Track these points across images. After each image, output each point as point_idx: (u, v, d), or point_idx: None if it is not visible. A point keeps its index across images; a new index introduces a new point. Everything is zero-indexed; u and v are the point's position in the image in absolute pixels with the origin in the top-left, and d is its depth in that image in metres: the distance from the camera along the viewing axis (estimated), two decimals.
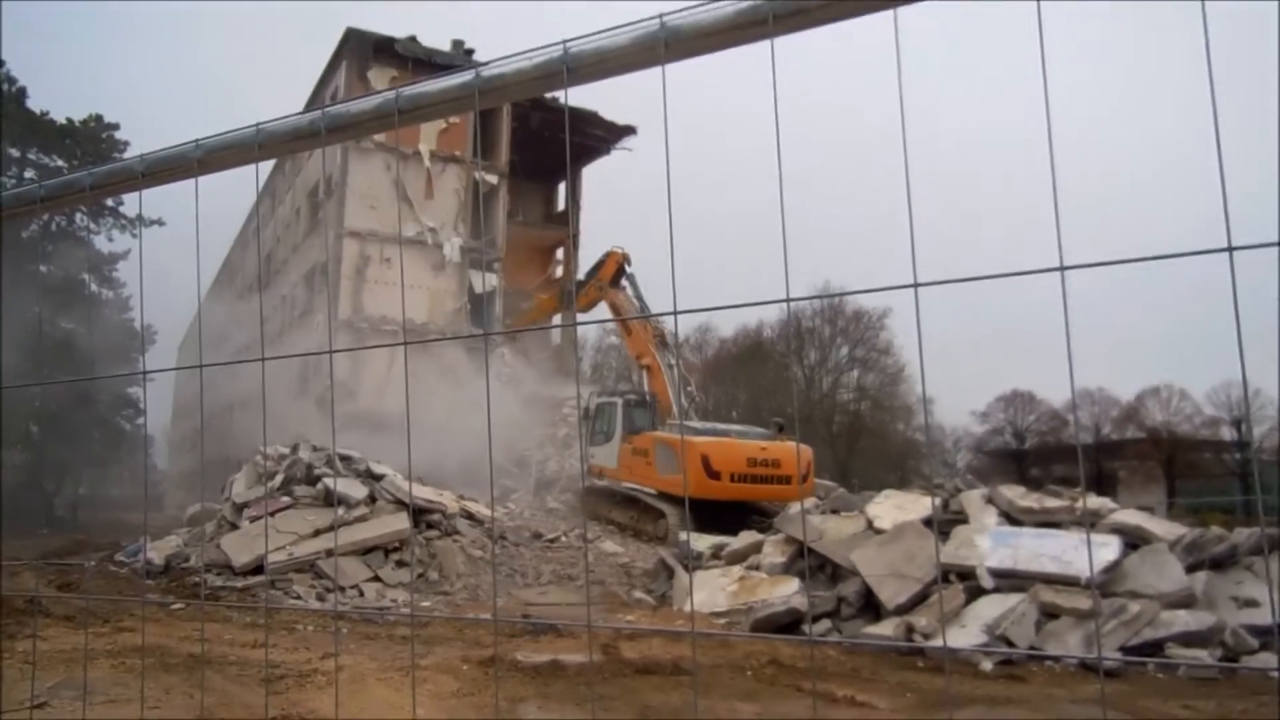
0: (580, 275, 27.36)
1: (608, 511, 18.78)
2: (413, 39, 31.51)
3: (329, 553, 11.85)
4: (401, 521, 12.80)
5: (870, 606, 9.39)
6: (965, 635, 8.02)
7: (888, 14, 1.44)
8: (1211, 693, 6.96)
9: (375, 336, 28.33)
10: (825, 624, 9.27)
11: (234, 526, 13.09)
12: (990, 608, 8.39)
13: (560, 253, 38.93)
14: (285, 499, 13.17)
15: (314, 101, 33.01)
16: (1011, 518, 10.18)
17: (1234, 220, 1.27)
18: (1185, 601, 8.20)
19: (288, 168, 39.77)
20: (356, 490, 13.36)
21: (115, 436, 43.66)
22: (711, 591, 10.63)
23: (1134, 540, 9.27)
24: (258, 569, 11.49)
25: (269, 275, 41.80)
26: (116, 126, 42.35)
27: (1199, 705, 6.57)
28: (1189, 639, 7.81)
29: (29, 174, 39.25)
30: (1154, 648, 7.77)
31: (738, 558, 11.58)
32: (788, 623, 9.34)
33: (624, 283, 23.26)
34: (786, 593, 9.94)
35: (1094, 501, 10.64)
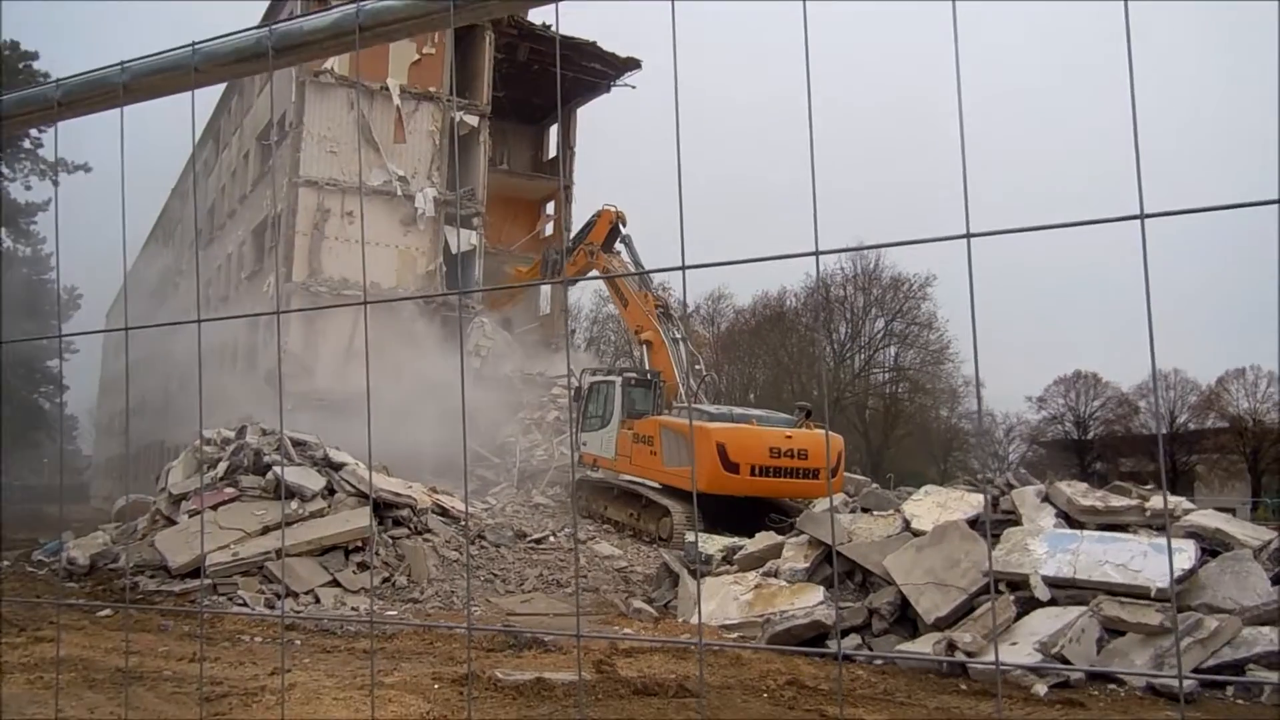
0: (569, 239, 27.30)
1: (603, 508, 18.82)
2: None
3: (279, 553, 11.87)
4: (364, 518, 12.82)
5: (906, 620, 9.42)
6: (1016, 653, 8.05)
7: None
8: None
9: (338, 301, 28.33)
10: (854, 639, 9.31)
11: (170, 521, 13.12)
12: (1045, 622, 8.41)
13: (551, 207, 38.84)
14: (229, 490, 13.20)
15: (268, 21, 32.86)
16: (1071, 519, 10.19)
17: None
18: (1270, 617, 8.22)
19: (234, 105, 39.63)
20: (312, 481, 13.39)
21: (32, 415, 43.73)
22: (723, 601, 10.66)
23: (1212, 546, 9.28)
24: (197, 570, 11.52)
25: (212, 230, 41.76)
26: (35, 55, 42.16)
27: None
28: (1274, 659, 7.83)
29: None
30: (1234, 669, 7.79)
31: (753, 563, 11.61)
32: (810, 637, 9.37)
33: (619, 246, 23.19)
34: (809, 603, 9.98)
35: (1167, 501, 10.64)
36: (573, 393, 21.25)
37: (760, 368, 51.49)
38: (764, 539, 12.17)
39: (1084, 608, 8.43)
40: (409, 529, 13.54)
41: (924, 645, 8.64)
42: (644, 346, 20.93)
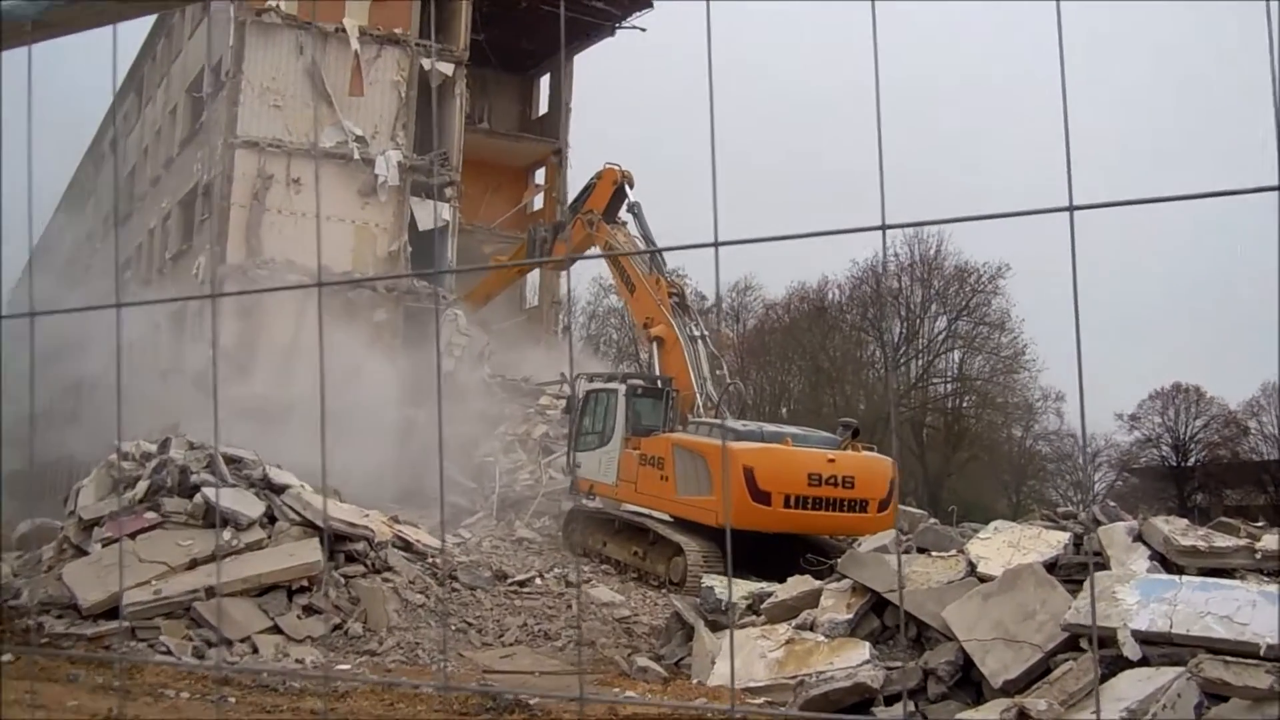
0: (564, 208, 27.21)
1: (601, 544, 18.87)
2: None
3: (209, 591, 11.98)
4: (311, 552, 12.92)
5: (969, 682, 9.49)
6: None
7: None
8: None
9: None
10: (905, 706, 9.38)
11: (80, 552, 13.24)
12: (1135, 685, 8.46)
13: (540, 175, 38.95)
14: (150, 516, 13.31)
15: None
16: (1168, 562, 10.25)
17: None
18: None
19: (160, 50, 39.77)
20: (249, 506, 13.50)
21: None
22: (748, 658, 10.74)
23: None
24: (112, 611, 11.64)
25: (132, 201, 41.87)
26: None
27: None
28: None
29: None
30: None
31: (785, 613, 11.68)
32: (853, 704, 9.44)
33: (624, 215, 23.03)
34: (852, 662, 10.04)
35: None
36: (567, 403, 21.25)
37: (795, 375, 51.53)
38: (798, 584, 12.22)
39: (1181, 668, 8.48)
40: (365, 566, 13.64)
41: (991, 713, 8.71)
42: (653, 344, 20.72)
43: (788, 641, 10.85)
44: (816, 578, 12.49)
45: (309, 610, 12.34)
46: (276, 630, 11.87)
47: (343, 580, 13.16)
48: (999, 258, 47.96)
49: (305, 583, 12.56)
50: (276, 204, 29.80)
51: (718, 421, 18.18)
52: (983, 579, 10.62)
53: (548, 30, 35.61)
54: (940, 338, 49.35)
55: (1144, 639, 8.89)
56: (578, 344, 40.64)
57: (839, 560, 12.46)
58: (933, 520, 18.24)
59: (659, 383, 19.91)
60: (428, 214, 31.65)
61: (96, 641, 11.15)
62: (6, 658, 9.99)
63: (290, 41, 30.41)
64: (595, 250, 23.63)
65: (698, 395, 19.46)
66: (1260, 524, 11.08)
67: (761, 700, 10.00)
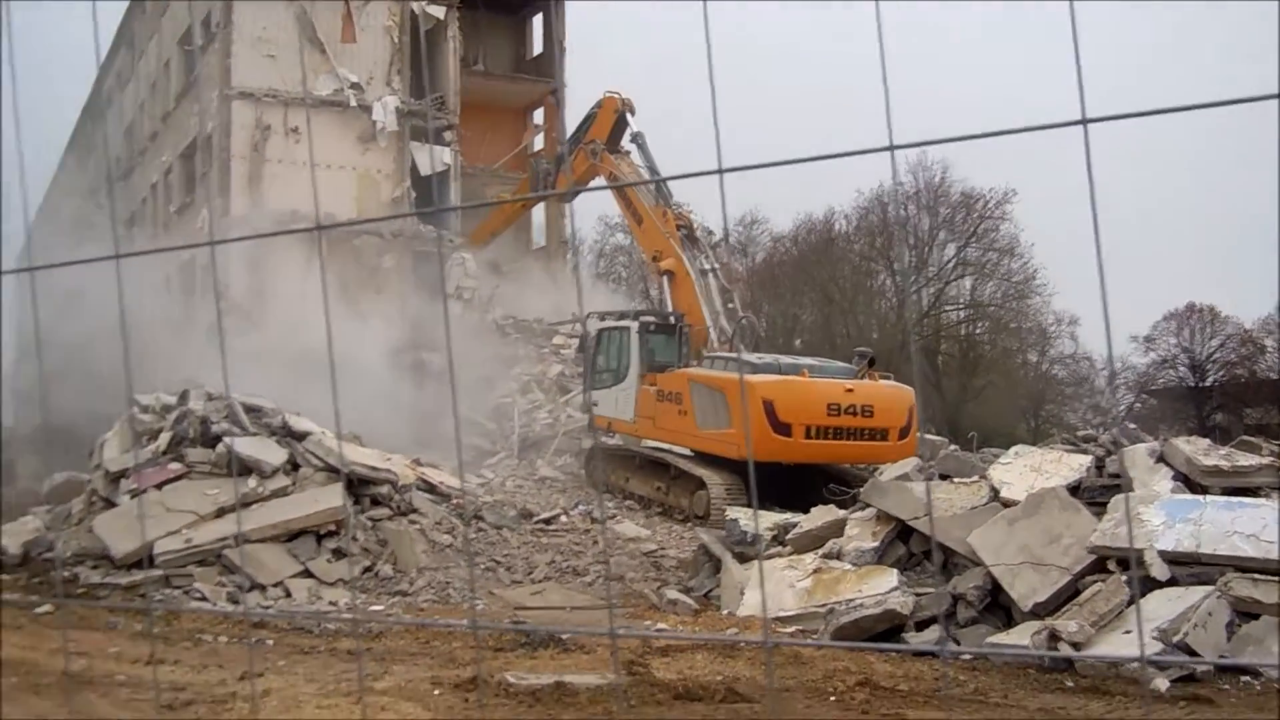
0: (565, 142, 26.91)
1: (624, 480, 19.01)
2: None
3: (237, 538, 12.12)
4: (335, 496, 13.04)
5: (998, 606, 9.61)
6: (1130, 644, 8.22)
7: None
8: None
9: (285, 239, 28.39)
10: (935, 631, 9.50)
11: (109, 503, 13.38)
12: (1165, 605, 8.56)
13: (539, 115, 38.72)
14: (174, 466, 13.44)
15: None
16: (1191, 482, 10.32)
17: None
18: None
19: (149, 4, 39.38)
20: (271, 454, 13.61)
21: None
22: (776, 589, 10.87)
23: None
24: (145, 560, 11.79)
25: (131, 156, 41.72)
26: None
27: None
28: None
29: None
30: None
31: (811, 543, 11.81)
32: (883, 630, 9.57)
33: (627, 145, 22.85)
34: (881, 589, 10.16)
35: None
36: (580, 342, 21.29)
37: (806, 307, 51.46)
38: (822, 514, 12.36)
39: (1210, 587, 8.58)
40: (391, 509, 13.77)
41: (1021, 636, 8.82)
42: (664, 279, 20.69)
43: (815, 571, 10.98)
44: (840, 507, 12.62)
45: (338, 554, 12.49)
46: (308, 574, 12.02)
47: (369, 524, 13.30)
48: (1006, 182, 47.74)
49: (333, 527, 12.70)
50: (276, 154, 29.72)
51: (734, 355, 18.23)
52: (1006, 504, 10.73)
53: None
54: (950, 265, 49.21)
55: (1171, 559, 8.98)
56: (587, 282, 40.51)
57: (862, 489, 12.57)
58: (953, 447, 18.39)
59: (671, 319, 19.95)
60: (428, 159, 31.55)
61: (132, 589, 11.30)
62: (45, 608, 10.15)
63: None
64: (600, 181, 23.53)
65: (710, 330, 19.48)
66: None
67: (792, 629, 10.13)
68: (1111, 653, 8.11)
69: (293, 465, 13.74)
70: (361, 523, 13.19)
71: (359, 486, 13.72)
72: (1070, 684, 8.04)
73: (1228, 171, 77.71)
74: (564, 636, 9.21)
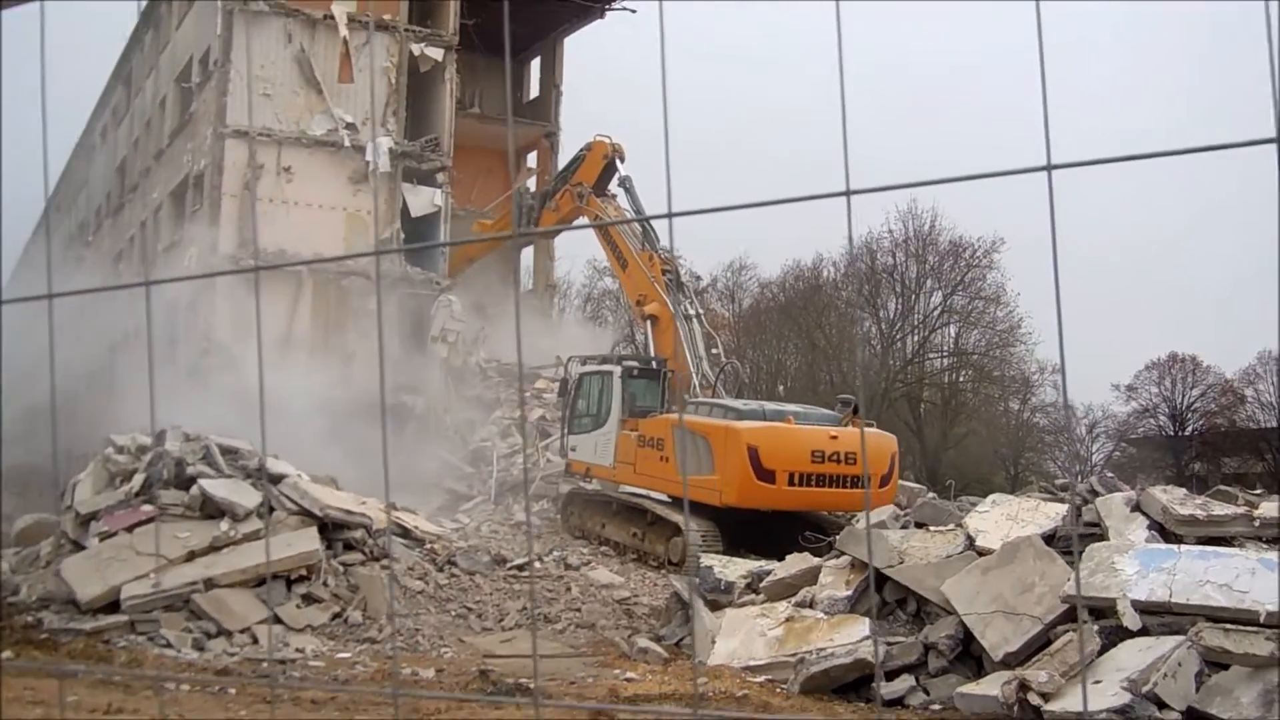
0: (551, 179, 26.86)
1: (599, 526, 18.88)
2: None
3: (208, 583, 11.96)
4: (308, 540, 12.89)
5: (969, 656, 9.50)
6: (1101, 693, 8.12)
7: None
8: None
9: (272, 278, 28.34)
10: (906, 680, 9.39)
11: (78, 546, 13.21)
12: (1135, 655, 8.48)
13: (533, 158, 38.85)
14: (146, 509, 13.28)
15: None
16: (1166, 531, 10.26)
17: None
18: None
19: (148, 40, 39.64)
20: (245, 496, 13.45)
21: None
22: (747, 637, 10.75)
23: None
24: (110, 605, 11.62)
25: (123, 193, 41.78)
26: None
27: None
28: None
29: None
30: None
31: (784, 590, 11.70)
32: (853, 680, 9.46)
33: (614, 189, 22.83)
34: (852, 638, 10.06)
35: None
36: (560, 386, 21.17)
37: (791, 353, 51.54)
38: (796, 562, 12.25)
39: (1181, 637, 8.49)
40: (364, 554, 13.62)
41: (991, 687, 8.71)
42: (647, 323, 20.66)
43: (787, 619, 10.87)
44: (815, 555, 12.51)
45: (308, 599, 12.32)
46: (276, 620, 11.85)
47: (341, 568, 13.14)
48: (994, 232, 47.98)
49: (303, 572, 12.54)
50: (268, 193, 29.69)
51: (717, 401, 18.18)
52: (981, 552, 10.65)
53: (537, 15, 35.50)
54: (935, 313, 49.31)
55: (1144, 609, 8.90)
56: (574, 326, 40.53)
57: (837, 537, 12.47)
58: (931, 495, 18.31)
59: (654, 363, 19.89)
60: (420, 200, 31.60)
61: (95, 636, 11.12)
62: (6, 654, 9.97)
63: (278, 29, 30.29)
64: (582, 221, 23.53)
65: (694, 375, 19.43)
66: (1258, 492, 11.11)
67: (763, 679, 10.00)
68: (1074, 706, 7.97)
69: (267, 508, 13.60)
70: (333, 567, 13.03)
71: (332, 530, 13.57)
72: None
73: (1215, 220, 78.11)
74: (531, 685, 9.07)
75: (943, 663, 9.46)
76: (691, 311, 20.51)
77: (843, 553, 11.73)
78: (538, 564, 15.74)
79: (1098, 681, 8.35)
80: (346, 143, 30.55)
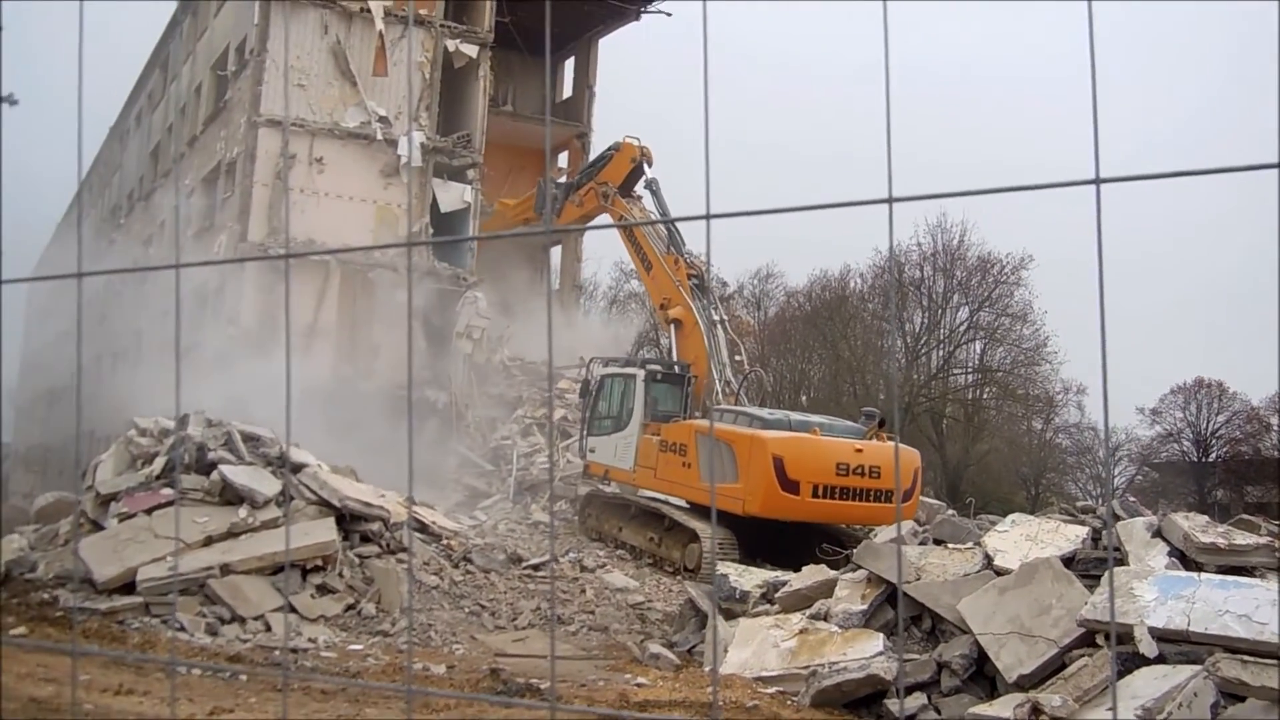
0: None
1: (616, 529, 18.84)
2: None
3: (224, 569, 12.01)
4: (326, 531, 12.93)
5: (983, 676, 9.43)
6: None
7: None
8: None
9: (300, 268, 28.44)
10: (919, 698, 9.33)
11: (97, 526, 13.28)
12: (1151, 683, 8.40)
13: (564, 158, 38.90)
14: (166, 492, 13.34)
15: None
16: (1187, 558, 10.17)
17: None
18: None
19: (186, 27, 39.88)
20: (264, 484, 13.51)
21: None
22: (760, 648, 10.70)
23: None
24: (126, 586, 11.67)
25: (155, 177, 42.02)
26: None
27: None
28: None
29: None
30: None
31: (799, 602, 11.64)
32: (865, 695, 9.40)
33: (640, 190, 22.73)
34: (866, 653, 10.00)
35: None
36: (581, 387, 21.14)
37: (815, 363, 51.42)
38: (813, 574, 12.18)
39: (1198, 667, 8.41)
40: (380, 547, 13.65)
41: (1004, 709, 8.65)
42: (671, 327, 20.56)
43: (801, 631, 10.81)
44: (832, 567, 12.45)
45: (323, 589, 12.35)
46: (290, 609, 11.89)
47: (357, 560, 13.18)
48: (1023, 248, 47.74)
49: (319, 562, 12.57)
50: (299, 183, 29.80)
51: (743, 409, 18.11)
52: (999, 572, 10.58)
53: (572, 13, 35.55)
54: (962, 329, 49.08)
55: (1161, 636, 8.81)
56: (598, 327, 40.51)
57: (854, 550, 12.41)
58: (950, 512, 18.23)
59: (677, 368, 19.82)
60: (450, 196, 31.66)
61: (110, 616, 11.17)
62: (20, 630, 10.02)
63: (315, 21, 30.41)
64: (594, 222, 23.44)
65: (716, 381, 19.34)
66: None
67: (774, 690, 9.96)
68: None
69: (286, 497, 13.65)
70: (349, 559, 13.06)
71: (350, 522, 13.60)
72: None
73: (1243, 246, 77.62)
74: (542, 686, 9.07)
75: (956, 682, 9.40)
76: (716, 317, 20.40)
77: (859, 566, 11.67)
78: (554, 565, 15.74)
79: (1110, 709, 8.29)
80: (379, 136, 30.65)
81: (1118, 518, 11.37)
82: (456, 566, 14.26)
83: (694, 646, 11.99)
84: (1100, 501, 14.13)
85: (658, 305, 21.43)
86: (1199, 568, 9.97)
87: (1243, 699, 8.16)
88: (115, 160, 51.22)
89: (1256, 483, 47.17)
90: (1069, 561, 10.44)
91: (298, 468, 14.10)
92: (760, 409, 18.54)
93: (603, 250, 52.60)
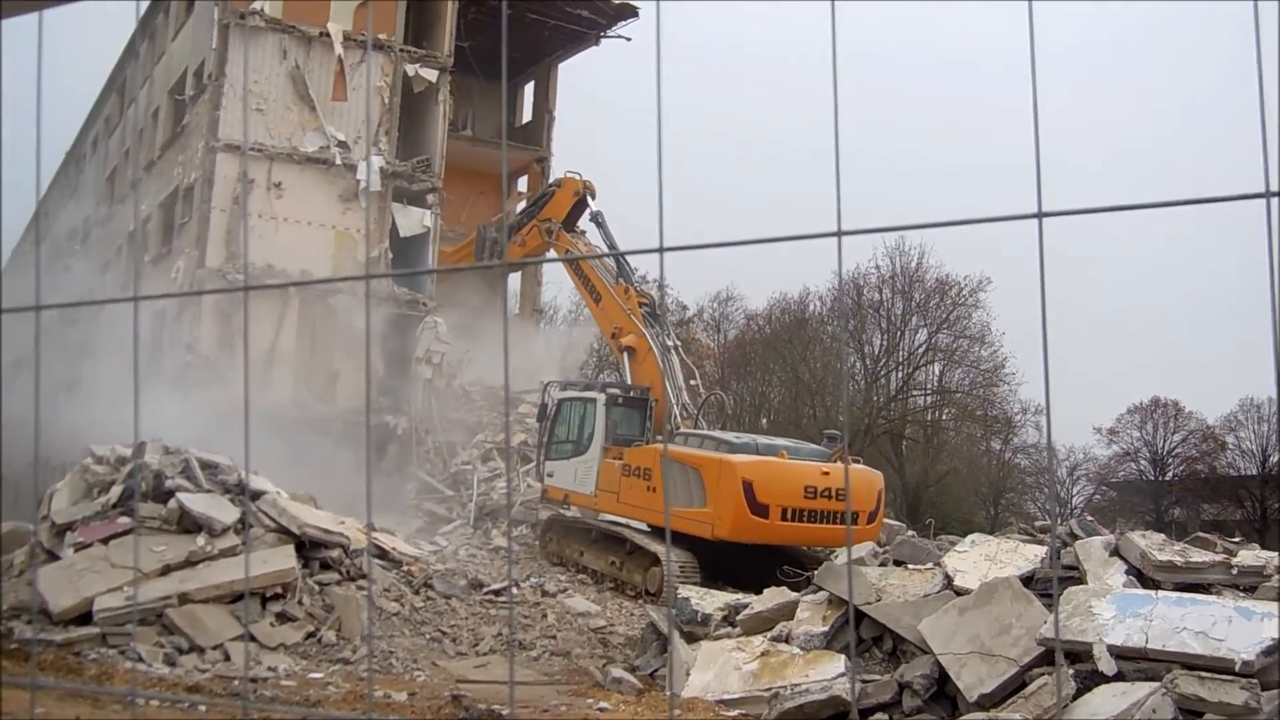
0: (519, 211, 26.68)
1: (577, 554, 18.79)
2: None
3: (182, 598, 11.90)
4: (285, 558, 12.84)
5: (944, 696, 9.47)
6: None
7: None
8: None
9: (259, 294, 28.25)
10: (880, 719, 9.36)
11: (53, 556, 13.13)
12: (1109, 701, 8.46)
13: (524, 183, 38.93)
14: (123, 521, 13.21)
15: None
16: (1144, 576, 10.26)
17: None
18: None
19: (143, 51, 39.62)
20: (223, 512, 13.41)
21: None
22: (721, 671, 10.70)
23: None
24: (82, 617, 11.54)
25: (111, 202, 41.69)
26: None
27: None
28: None
29: None
30: None
31: (761, 624, 11.65)
32: (828, 717, 9.41)
33: (585, 224, 22.75)
34: (827, 675, 10.02)
35: (1257, 556, 10.73)
36: (539, 411, 21.11)
37: (775, 386, 51.60)
38: (774, 596, 12.19)
39: (1156, 683, 8.48)
40: (340, 574, 13.56)
41: None
42: (625, 355, 20.58)
43: (763, 654, 10.82)
44: (793, 589, 12.47)
45: (282, 617, 12.25)
46: (250, 638, 11.78)
47: (317, 587, 13.08)
48: (981, 271, 48.19)
49: (279, 590, 12.48)
50: (257, 208, 29.64)
51: (709, 433, 18.14)
52: (959, 592, 10.63)
53: (532, 38, 35.63)
54: (920, 350, 49.44)
55: (1119, 654, 8.88)
56: (558, 352, 40.49)
57: (815, 572, 12.46)
58: (910, 532, 18.32)
59: (637, 392, 19.83)
60: (409, 220, 31.59)
61: (66, 648, 11.03)
62: None
63: (274, 45, 30.30)
64: (550, 255, 23.47)
65: (674, 406, 19.40)
66: (1237, 539, 11.13)
67: (736, 713, 9.96)
68: None
69: (244, 524, 13.54)
70: (309, 586, 12.97)
71: (309, 549, 13.52)
72: None
73: (1198, 268, 78.73)
74: (504, 712, 9.03)
75: (917, 702, 9.43)
76: (669, 343, 20.47)
77: (820, 588, 11.70)
78: (515, 590, 15.69)
79: None
80: (338, 160, 30.53)
81: (1075, 537, 11.48)
82: (417, 593, 14.19)
83: (656, 670, 11.96)
84: (1055, 521, 14.25)
85: (609, 335, 21.45)
86: (1156, 585, 10.07)
87: (1200, 715, 8.24)
88: (72, 184, 50.81)
89: (1212, 501, 47.78)
90: (1028, 581, 10.50)
91: (256, 495, 14.00)
92: (725, 432, 18.59)
93: (562, 275, 52.66)
